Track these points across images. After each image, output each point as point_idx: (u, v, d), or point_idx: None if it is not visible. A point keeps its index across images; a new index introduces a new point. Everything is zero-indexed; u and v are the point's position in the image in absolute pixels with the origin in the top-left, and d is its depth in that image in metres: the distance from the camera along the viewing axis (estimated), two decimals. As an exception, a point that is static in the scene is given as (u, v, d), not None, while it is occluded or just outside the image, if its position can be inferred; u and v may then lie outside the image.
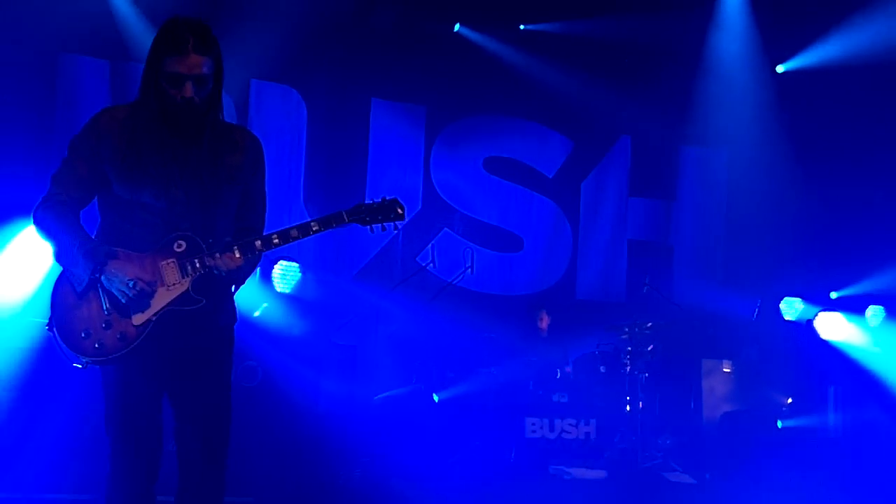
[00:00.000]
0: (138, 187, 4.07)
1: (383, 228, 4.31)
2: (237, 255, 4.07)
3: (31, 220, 4.15)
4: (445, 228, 10.83)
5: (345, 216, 4.24)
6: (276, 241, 4.17)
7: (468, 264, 9.82)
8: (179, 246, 4.08)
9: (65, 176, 4.16)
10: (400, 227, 4.35)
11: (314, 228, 4.20)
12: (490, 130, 11.09)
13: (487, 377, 9.08)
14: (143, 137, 4.08)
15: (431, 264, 9.97)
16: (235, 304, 4.40)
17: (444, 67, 10.39)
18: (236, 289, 4.36)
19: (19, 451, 6.77)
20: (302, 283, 9.40)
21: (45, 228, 4.14)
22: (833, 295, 10.86)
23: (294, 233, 4.20)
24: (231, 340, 4.35)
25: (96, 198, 4.22)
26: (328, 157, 10.16)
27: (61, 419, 6.97)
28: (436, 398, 9.03)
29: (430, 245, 10.34)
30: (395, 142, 10.71)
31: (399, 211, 4.31)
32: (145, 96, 4.09)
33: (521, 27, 10.89)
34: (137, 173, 4.06)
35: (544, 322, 9.99)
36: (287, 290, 9.30)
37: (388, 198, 4.32)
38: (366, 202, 4.29)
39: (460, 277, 9.88)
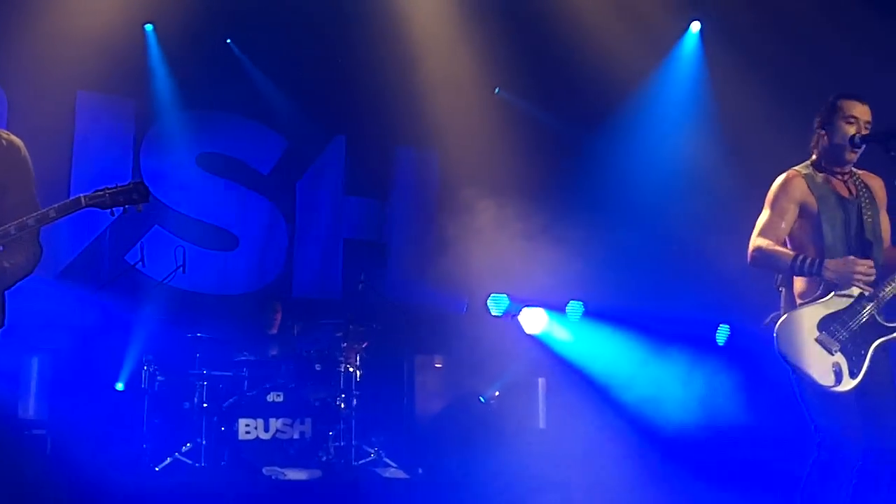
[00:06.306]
0: None
1: (125, 211, 4.33)
2: None
3: None
4: (156, 225, 10.51)
5: (83, 200, 4.23)
6: (13, 231, 4.14)
7: (180, 263, 9.56)
8: None
9: None
10: (144, 208, 4.35)
11: (52, 215, 4.19)
12: (203, 126, 10.85)
13: (199, 379, 8.89)
14: None
15: (141, 263, 9.68)
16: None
17: (153, 61, 10.06)
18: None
19: None
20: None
21: None
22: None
23: (31, 221, 4.17)
24: None
25: None
26: (30, 152, 9.59)
27: None
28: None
29: (139, 243, 9.99)
30: (102, 135, 10.30)
31: (142, 190, 4.31)
32: None
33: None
34: None
35: (279, 316, 9.91)
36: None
37: (133, 181, 4.33)
38: (109, 186, 4.28)
39: (172, 277, 9.61)
